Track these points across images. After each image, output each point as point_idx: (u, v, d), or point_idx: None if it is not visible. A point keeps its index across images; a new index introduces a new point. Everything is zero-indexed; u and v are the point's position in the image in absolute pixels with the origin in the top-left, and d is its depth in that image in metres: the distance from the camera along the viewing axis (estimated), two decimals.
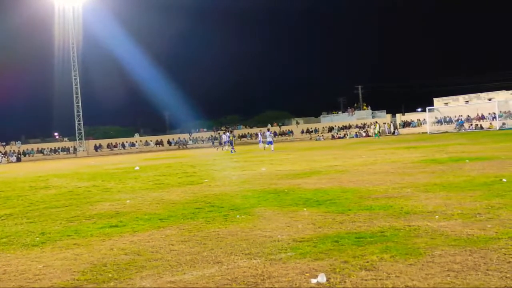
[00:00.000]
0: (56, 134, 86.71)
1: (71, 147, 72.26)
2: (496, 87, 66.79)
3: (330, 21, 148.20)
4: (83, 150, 70.68)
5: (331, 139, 67.17)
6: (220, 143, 51.83)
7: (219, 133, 73.47)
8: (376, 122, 64.10)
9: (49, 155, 68.60)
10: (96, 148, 72.38)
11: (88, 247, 6.62)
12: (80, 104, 71.07)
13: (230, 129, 76.57)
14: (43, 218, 9.44)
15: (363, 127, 70.95)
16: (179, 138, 78.68)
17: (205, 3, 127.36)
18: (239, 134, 78.83)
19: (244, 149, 44.94)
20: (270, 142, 37.04)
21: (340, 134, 70.59)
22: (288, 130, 78.66)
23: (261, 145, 43.35)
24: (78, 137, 71.40)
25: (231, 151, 39.13)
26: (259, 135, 48.52)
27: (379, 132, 56.98)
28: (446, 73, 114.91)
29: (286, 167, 17.97)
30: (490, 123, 55.93)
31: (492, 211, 7.10)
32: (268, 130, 43.84)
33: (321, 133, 73.77)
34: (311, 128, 78.08)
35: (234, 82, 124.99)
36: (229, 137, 44.15)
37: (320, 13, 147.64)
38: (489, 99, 61.60)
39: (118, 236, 7.23)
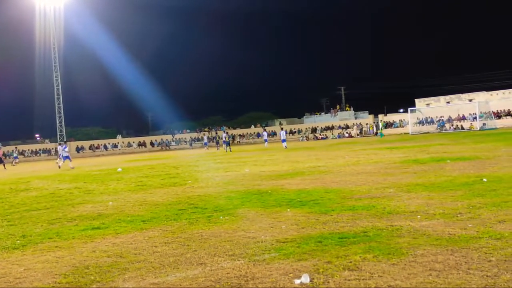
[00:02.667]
0: (37, 135, 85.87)
1: (53, 148, 71.51)
2: (476, 88, 67.80)
3: (313, 23, 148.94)
4: (13, 156, 69.81)
5: (314, 139, 67.42)
6: (218, 143, 53.81)
7: (216, 133, 73.86)
8: (381, 120, 62.97)
9: (30, 157, 67.83)
10: (78, 149, 71.76)
11: (70, 250, 6.56)
12: (61, 105, 70.50)
13: (226, 130, 76.54)
14: (24, 221, 9.33)
15: (345, 127, 71.34)
16: (162, 139, 78.30)
17: (189, 5, 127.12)
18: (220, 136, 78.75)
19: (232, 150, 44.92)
20: (284, 141, 40.69)
21: (323, 134, 70.88)
22: (272, 131, 78.80)
23: (266, 144, 45.73)
24: (59, 138, 70.69)
25: (227, 150, 42.23)
26: (264, 134, 49.48)
27: (381, 129, 56.42)
28: (428, 74, 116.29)
29: (269, 168, 17.99)
30: (471, 123, 56.59)
31: (473, 211, 7.18)
32: (282, 129, 46.89)
33: (304, 133, 73.98)
34: (295, 128, 78.26)
35: (217, 83, 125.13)
36: (225, 137, 45.84)
37: (303, 15, 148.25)
38: (470, 100, 62.49)
39: (101, 238, 7.17)
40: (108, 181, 17.28)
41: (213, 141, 65.90)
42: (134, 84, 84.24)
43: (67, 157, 30.43)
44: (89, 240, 7.13)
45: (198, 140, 76.32)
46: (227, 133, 55.87)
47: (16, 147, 59.54)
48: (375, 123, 70.35)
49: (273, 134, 77.27)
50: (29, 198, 13.29)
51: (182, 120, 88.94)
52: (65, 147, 31.41)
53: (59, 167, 29.82)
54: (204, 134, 69.68)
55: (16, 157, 51.83)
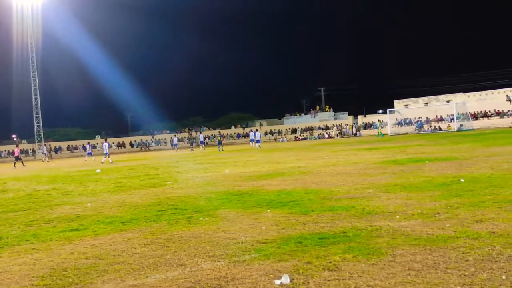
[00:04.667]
0: (14, 136, 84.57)
1: (30, 149, 70.56)
2: (454, 90, 68.68)
3: (294, 24, 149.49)
4: (43, 153, 69.10)
5: (294, 140, 67.63)
6: (192, 144, 54.84)
7: (190, 134, 74.39)
8: (379, 120, 61.84)
9: (7, 157, 66.78)
10: (56, 150, 70.84)
11: (48, 252, 6.47)
12: (39, 105, 69.55)
13: (219, 130, 77.07)
14: (0, 223, 9.19)
15: (325, 128, 71.69)
16: (141, 140, 77.77)
17: (169, 5, 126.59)
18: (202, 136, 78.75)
19: (208, 151, 44.91)
20: (258, 141, 44.53)
21: (303, 135, 71.16)
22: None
23: (252, 144, 47.24)
24: (37, 139, 69.81)
25: (220, 149, 44.79)
26: (251, 135, 50.33)
27: (380, 129, 55.85)
28: (407, 75, 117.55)
29: (249, 169, 17.99)
30: (449, 124, 57.34)
31: (451, 211, 7.26)
32: (257, 130, 49.98)
33: (284, 134, 74.18)
34: (275, 129, 78.40)
35: (197, 83, 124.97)
36: (215, 136, 48.27)
37: (284, 16, 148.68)
38: (448, 101, 63.16)
39: (79, 240, 7.09)
40: (87, 182, 17.11)
41: (186, 142, 66.38)
42: (114, 84, 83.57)
43: (106, 153, 35.39)
44: (67, 242, 7.05)
45: (179, 140, 76.13)
46: (219, 132, 57.01)
47: (45, 144, 62.16)
48: (354, 124, 70.90)
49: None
50: (5, 200, 13.09)
51: (162, 120, 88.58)
52: (108, 145, 36.87)
53: (111, 162, 33.18)
54: (175, 135, 69.84)
55: (46, 154, 54.93)
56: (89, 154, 43.76)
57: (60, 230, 7.95)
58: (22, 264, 5.91)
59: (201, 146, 53.24)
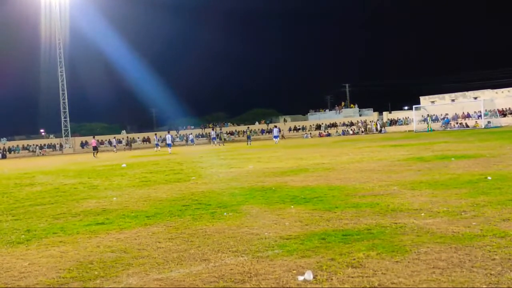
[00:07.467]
0: (42, 130, 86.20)
1: (57, 144, 71.75)
2: (482, 86, 67.52)
3: (317, 20, 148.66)
4: (69, 147, 70.26)
5: (318, 136, 67.38)
6: (214, 139, 55.90)
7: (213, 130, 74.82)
8: (428, 115, 60.50)
9: (35, 151, 67.97)
10: (83, 145, 71.89)
11: (74, 245, 6.58)
12: (66, 101, 70.70)
13: (248, 126, 77.79)
14: (28, 216, 9.36)
15: (350, 124, 71.22)
16: (166, 135, 78.22)
17: (194, 1, 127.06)
18: (226, 132, 79.04)
19: (232, 147, 45.06)
20: (276, 137, 47.83)
21: (326, 131, 70.83)
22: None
23: (276, 140, 48.50)
24: (64, 134, 70.98)
25: (248, 144, 49.03)
26: (274, 131, 50.48)
27: (431, 124, 56.27)
28: (433, 72, 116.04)
29: (273, 165, 17.98)
30: (476, 121, 56.39)
31: (477, 209, 7.15)
32: (275, 126, 52.01)
33: (309, 130, 73.91)
34: (299, 125, 78.16)
35: (221, 79, 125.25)
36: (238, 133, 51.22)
37: (307, 12, 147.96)
38: (475, 98, 62.14)
39: (105, 234, 7.19)
40: (113, 177, 17.33)
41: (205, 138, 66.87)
42: (139, 80, 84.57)
43: (169, 144, 40.93)
44: (94, 235, 7.15)
45: (202, 136, 76.54)
46: (248, 127, 65.93)
47: (114, 137, 67.78)
48: (379, 120, 70.28)
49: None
50: (33, 193, 13.34)
51: (186, 116, 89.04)
52: (172, 137, 41.66)
53: (170, 153, 37.83)
54: (190, 133, 70.40)
55: (114, 146, 60.09)
56: (157, 145, 48.39)
57: (86, 224, 8.07)
58: (49, 257, 6.01)
59: (212, 143, 54.26)
